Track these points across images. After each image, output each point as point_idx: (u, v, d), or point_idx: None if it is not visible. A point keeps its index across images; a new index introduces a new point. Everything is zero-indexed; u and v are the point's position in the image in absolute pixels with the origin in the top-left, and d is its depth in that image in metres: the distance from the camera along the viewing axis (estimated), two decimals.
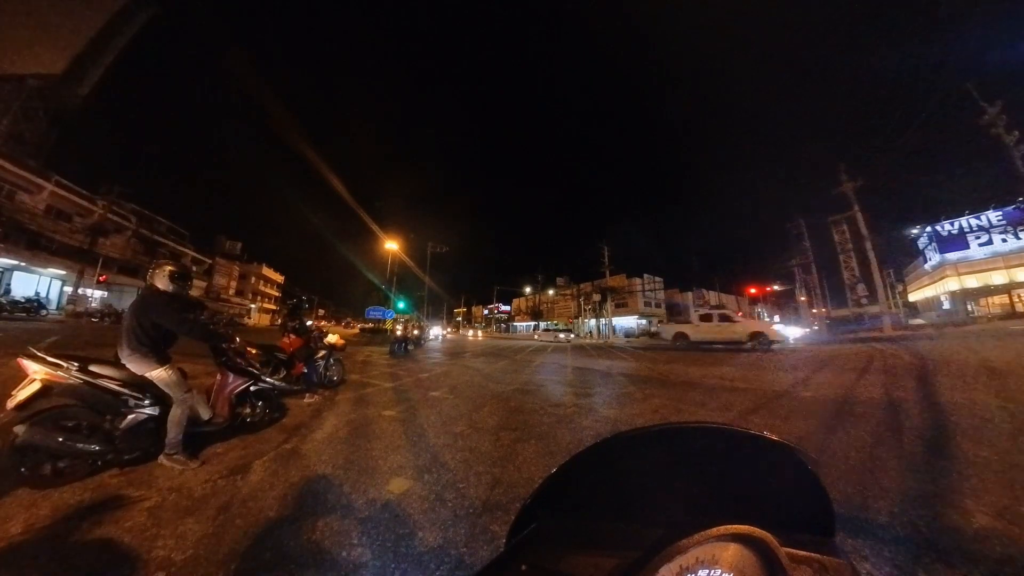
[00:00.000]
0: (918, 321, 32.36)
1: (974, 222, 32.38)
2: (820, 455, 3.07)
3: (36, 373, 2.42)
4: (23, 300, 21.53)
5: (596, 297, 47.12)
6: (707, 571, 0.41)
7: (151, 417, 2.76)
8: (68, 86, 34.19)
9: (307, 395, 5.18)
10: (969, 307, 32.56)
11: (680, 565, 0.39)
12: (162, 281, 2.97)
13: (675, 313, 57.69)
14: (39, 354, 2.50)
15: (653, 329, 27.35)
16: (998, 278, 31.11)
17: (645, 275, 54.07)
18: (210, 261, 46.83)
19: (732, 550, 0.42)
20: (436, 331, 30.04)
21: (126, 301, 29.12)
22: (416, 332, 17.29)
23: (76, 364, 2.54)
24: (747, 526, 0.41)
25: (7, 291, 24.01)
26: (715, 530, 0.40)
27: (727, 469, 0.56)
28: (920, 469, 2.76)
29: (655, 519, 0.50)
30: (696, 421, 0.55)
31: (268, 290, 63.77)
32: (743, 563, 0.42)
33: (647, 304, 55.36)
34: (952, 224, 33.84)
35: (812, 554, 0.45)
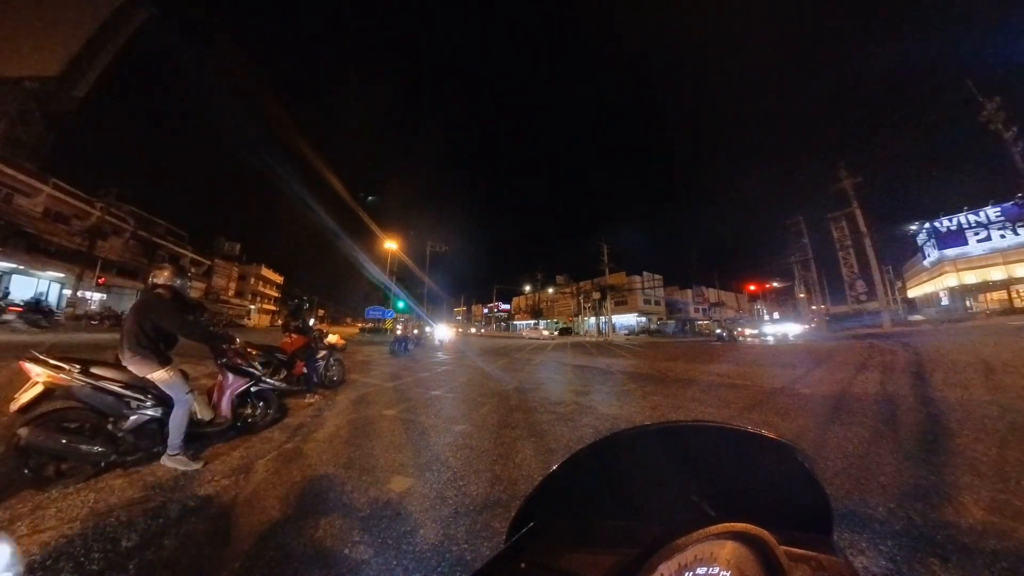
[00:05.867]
0: (917, 317, 32.34)
1: (973, 218, 32.36)
2: (816, 451, 3.09)
3: (39, 376, 2.43)
4: (22, 303, 21.45)
5: (596, 295, 47.09)
6: (706, 569, 0.41)
7: (153, 418, 2.77)
8: (65, 88, 34.03)
9: (308, 395, 5.19)
10: (967, 303, 32.57)
11: (679, 563, 0.40)
12: (162, 283, 2.98)
13: (675, 311, 57.67)
14: (41, 357, 2.50)
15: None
16: (996, 274, 31.11)
17: (645, 273, 53.95)
18: (209, 262, 46.67)
19: (730, 548, 0.43)
20: (443, 333, 21.89)
21: (126, 303, 29.07)
22: (416, 332, 17.29)
23: (78, 366, 2.54)
24: (745, 524, 0.41)
25: (6, 294, 23.94)
26: (713, 528, 0.40)
27: (725, 467, 0.56)
28: (916, 465, 2.77)
29: (654, 517, 0.51)
30: (694, 420, 0.56)
31: (268, 291, 63.62)
32: (741, 561, 0.43)
33: (647, 302, 55.31)
34: (951, 220, 33.82)
35: (810, 552, 0.45)
